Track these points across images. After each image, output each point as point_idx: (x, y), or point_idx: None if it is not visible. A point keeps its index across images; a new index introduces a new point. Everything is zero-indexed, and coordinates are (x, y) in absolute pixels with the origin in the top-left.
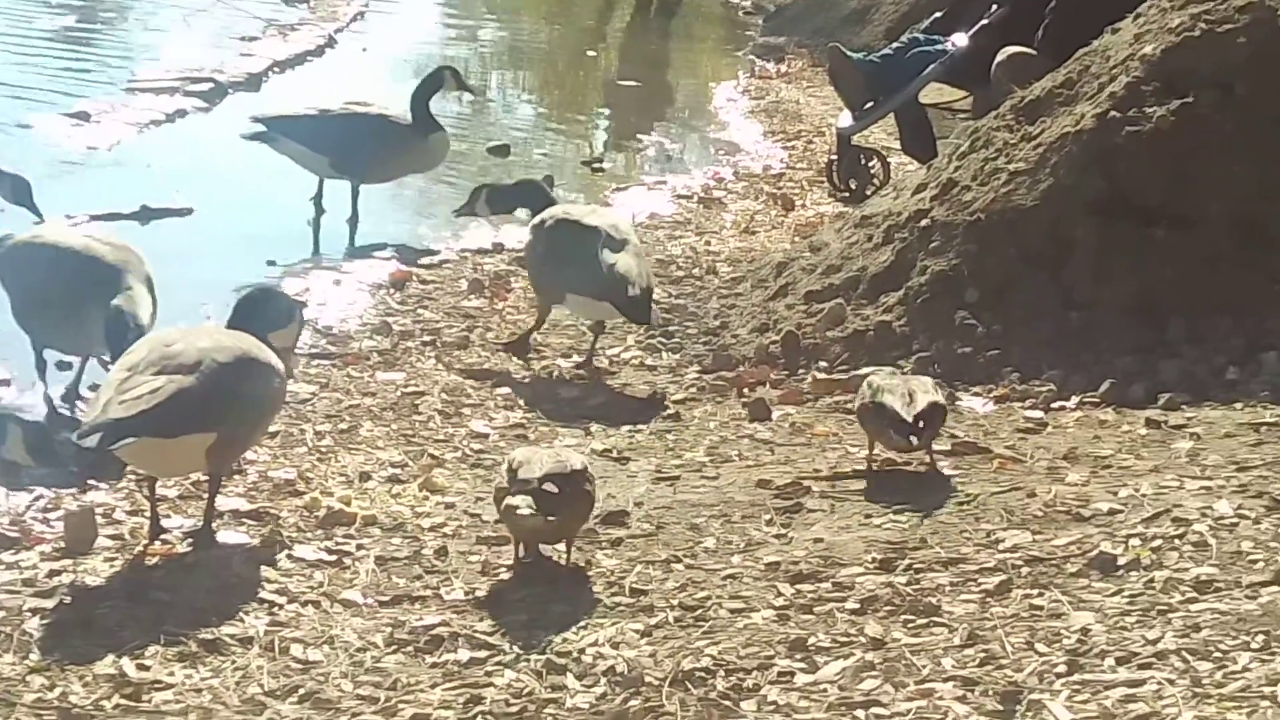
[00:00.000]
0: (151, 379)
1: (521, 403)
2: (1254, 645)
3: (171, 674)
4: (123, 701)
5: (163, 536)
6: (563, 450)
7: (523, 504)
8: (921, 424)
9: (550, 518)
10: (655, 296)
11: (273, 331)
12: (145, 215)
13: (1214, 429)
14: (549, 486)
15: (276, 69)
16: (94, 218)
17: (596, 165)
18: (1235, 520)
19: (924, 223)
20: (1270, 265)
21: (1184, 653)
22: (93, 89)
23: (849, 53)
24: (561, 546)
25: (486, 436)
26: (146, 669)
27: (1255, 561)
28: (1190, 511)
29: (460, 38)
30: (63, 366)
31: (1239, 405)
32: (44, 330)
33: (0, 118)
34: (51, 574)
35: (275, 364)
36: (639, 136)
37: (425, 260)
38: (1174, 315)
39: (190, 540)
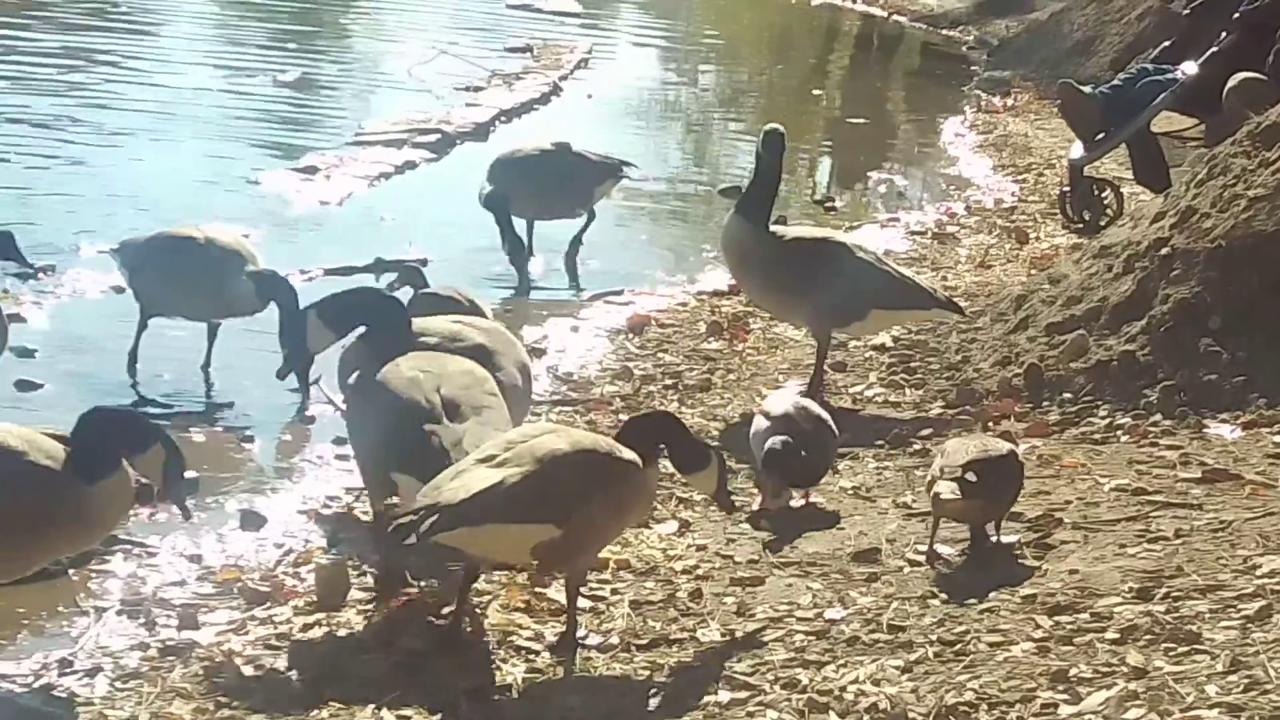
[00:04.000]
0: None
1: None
2: None
3: None
4: None
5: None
6: (988, 439)
7: (946, 489)
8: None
9: (972, 500)
10: (895, 332)
11: None
12: (380, 268)
13: None
14: (970, 476)
15: (503, 118)
16: (329, 272)
17: (829, 204)
18: None
19: (1164, 251)
20: None
21: None
22: (320, 143)
23: (1080, 86)
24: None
25: (735, 474)
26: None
27: None
28: None
29: (683, 81)
30: None
31: None
32: None
33: (229, 174)
34: (305, 628)
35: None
36: (868, 174)
37: (662, 304)
38: None
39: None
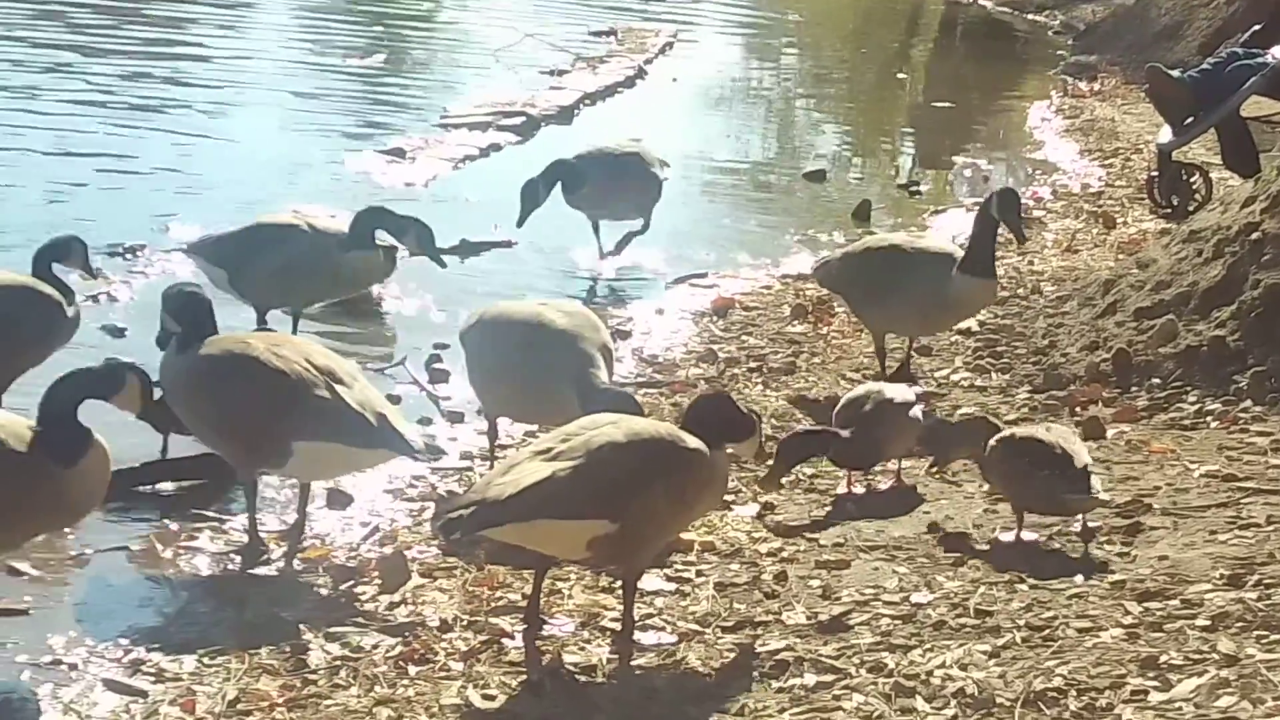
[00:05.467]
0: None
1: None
2: None
3: (517, 703)
4: None
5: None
6: (1058, 429)
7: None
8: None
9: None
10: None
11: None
12: (466, 249)
13: None
14: (1096, 483)
15: (587, 101)
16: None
17: (913, 188)
18: None
19: (1254, 236)
20: None
21: None
22: (406, 126)
23: (1168, 70)
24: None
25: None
26: (492, 699)
27: None
28: None
29: (767, 65)
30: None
31: None
32: (503, 404)
33: (315, 156)
34: (391, 606)
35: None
36: (953, 158)
37: (746, 287)
38: None
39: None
